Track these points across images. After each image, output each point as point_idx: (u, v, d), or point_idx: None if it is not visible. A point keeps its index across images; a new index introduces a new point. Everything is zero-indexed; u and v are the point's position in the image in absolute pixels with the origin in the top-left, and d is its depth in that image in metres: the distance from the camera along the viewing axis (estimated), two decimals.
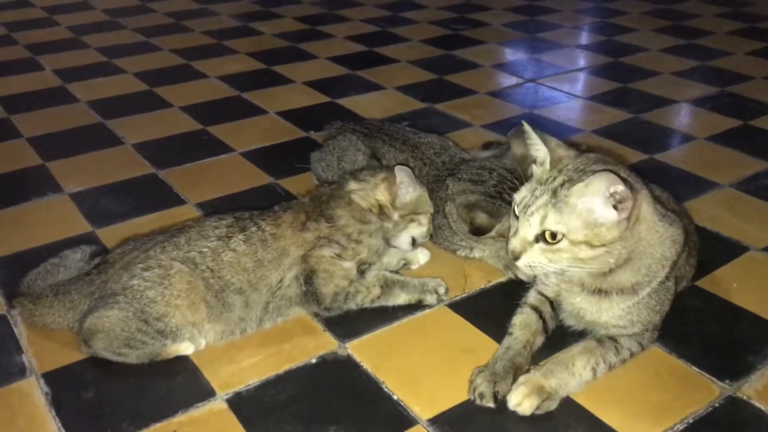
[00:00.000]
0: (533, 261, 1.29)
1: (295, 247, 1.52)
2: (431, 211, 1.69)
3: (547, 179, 1.29)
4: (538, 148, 1.34)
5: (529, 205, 1.28)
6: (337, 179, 1.78)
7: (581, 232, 1.24)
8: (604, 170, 1.20)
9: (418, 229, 1.66)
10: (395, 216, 1.61)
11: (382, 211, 1.60)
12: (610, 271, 1.32)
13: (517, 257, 1.30)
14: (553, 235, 1.25)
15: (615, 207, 1.23)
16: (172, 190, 2.12)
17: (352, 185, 1.61)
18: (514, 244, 1.31)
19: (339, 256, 1.53)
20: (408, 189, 1.61)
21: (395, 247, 1.67)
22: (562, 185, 1.26)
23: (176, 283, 1.42)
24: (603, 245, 1.25)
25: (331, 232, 1.54)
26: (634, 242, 1.29)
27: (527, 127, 1.36)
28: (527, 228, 1.28)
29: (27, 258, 1.74)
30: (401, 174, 1.58)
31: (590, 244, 1.25)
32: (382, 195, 1.60)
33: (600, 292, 1.37)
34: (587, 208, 1.23)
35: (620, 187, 1.20)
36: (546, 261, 1.28)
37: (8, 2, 4.22)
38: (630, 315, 1.38)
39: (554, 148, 1.33)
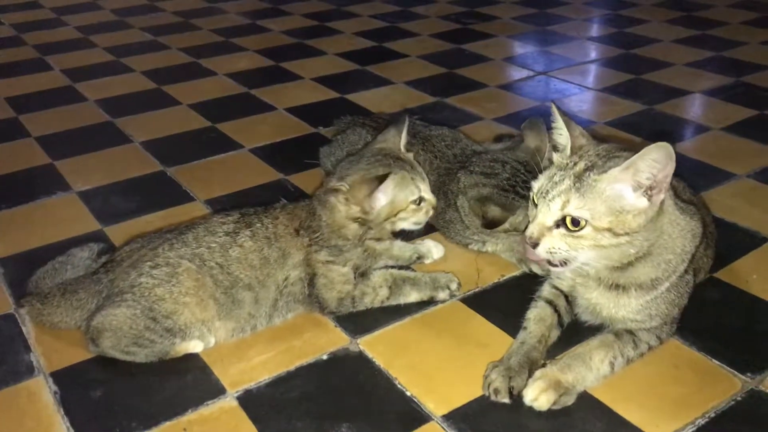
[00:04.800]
0: (553, 246, 1.24)
1: (296, 250, 1.49)
2: (419, 193, 1.54)
3: (567, 164, 1.26)
4: (561, 133, 1.31)
5: (548, 191, 1.24)
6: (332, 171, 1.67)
7: (606, 218, 1.20)
8: (662, 143, 1.14)
9: (413, 217, 1.56)
10: (374, 224, 1.52)
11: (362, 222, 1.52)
12: (629, 264, 1.29)
13: (535, 244, 1.25)
14: (575, 222, 1.21)
15: (646, 192, 1.19)
16: (180, 188, 2.10)
17: (330, 195, 1.52)
18: (532, 230, 1.26)
19: (332, 261, 1.50)
20: (379, 198, 1.48)
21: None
22: (585, 170, 1.22)
23: (184, 280, 1.40)
24: (627, 233, 1.21)
25: (318, 242, 1.50)
26: (656, 235, 1.26)
27: (555, 110, 1.32)
28: (547, 213, 1.24)
29: (36, 257, 1.73)
30: (369, 185, 1.47)
31: (614, 232, 1.21)
32: (351, 208, 1.50)
33: (617, 287, 1.33)
34: (617, 193, 1.20)
35: (670, 166, 1.16)
36: (566, 247, 1.23)
37: (17, 4, 4.22)
38: (648, 309, 1.35)
39: (577, 135, 1.30)
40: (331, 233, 1.51)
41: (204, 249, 1.44)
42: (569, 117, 1.32)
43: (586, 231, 1.21)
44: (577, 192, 1.21)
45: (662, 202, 1.23)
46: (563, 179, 1.23)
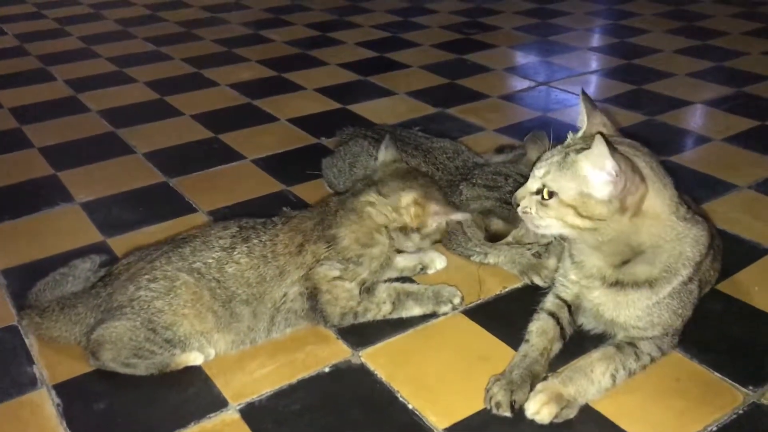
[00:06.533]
0: (526, 206, 1.33)
1: (295, 268, 1.49)
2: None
3: (568, 144, 1.33)
4: (582, 119, 1.39)
5: (541, 161, 1.33)
6: (350, 187, 1.69)
7: (571, 195, 1.27)
8: (599, 134, 1.21)
9: (426, 242, 1.60)
10: (416, 239, 1.55)
11: (402, 230, 1.53)
12: (627, 261, 1.32)
13: (517, 204, 1.36)
14: (550, 194, 1.29)
15: (613, 183, 1.23)
16: (183, 199, 2.11)
17: (372, 197, 1.53)
18: (518, 192, 1.36)
19: (339, 277, 1.50)
20: (438, 220, 1.54)
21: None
22: (575, 151, 1.28)
23: (182, 293, 1.41)
24: (589, 218, 1.26)
25: (329, 254, 1.50)
26: (632, 231, 1.28)
27: (582, 98, 1.40)
28: (532, 181, 1.33)
29: (38, 268, 1.73)
30: (436, 205, 1.52)
31: (577, 212, 1.26)
32: (408, 217, 1.53)
33: (617, 283, 1.35)
34: (585, 175, 1.25)
35: (609, 162, 1.20)
36: (535, 210, 1.31)
37: (20, 14, 4.24)
38: (650, 316, 1.35)
39: (596, 124, 1.37)
40: (355, 242, 1.50)
41: (201, 264, 1.44)
42: (593, 105, 1.40)
43: (552, 202, 1.29)
44: (558, 165, 1.28)
45: (641, 204, 1.25)
46: (556, 154, 1.31)
